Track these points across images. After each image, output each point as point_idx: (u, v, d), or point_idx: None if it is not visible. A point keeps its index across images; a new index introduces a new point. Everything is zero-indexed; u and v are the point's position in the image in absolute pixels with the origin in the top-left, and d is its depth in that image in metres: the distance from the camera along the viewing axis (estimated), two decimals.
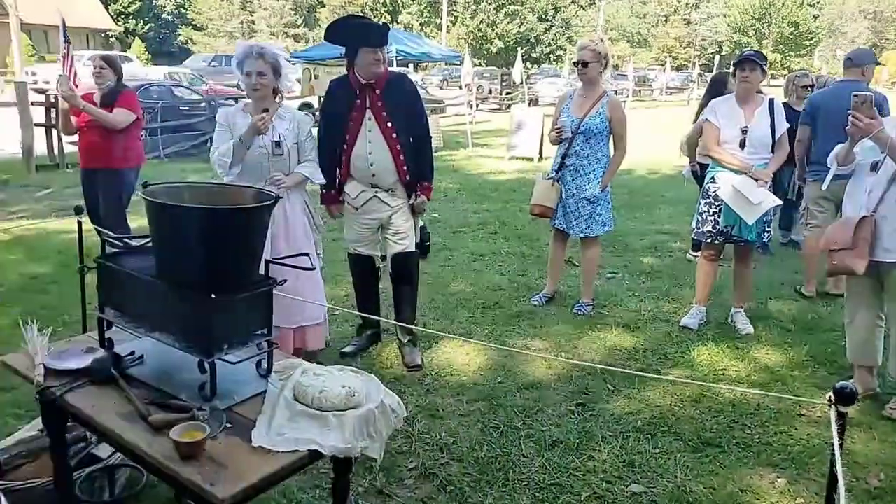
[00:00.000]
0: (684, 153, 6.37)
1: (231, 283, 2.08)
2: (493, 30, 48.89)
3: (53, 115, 10.55)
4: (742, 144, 4.44)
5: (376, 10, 46.78)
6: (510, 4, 49.30)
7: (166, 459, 1.79)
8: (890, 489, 2.98)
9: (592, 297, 5.13)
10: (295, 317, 3.71)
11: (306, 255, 2.55)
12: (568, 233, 5.03)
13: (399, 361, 4.13)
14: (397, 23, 46.44)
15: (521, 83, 23.25)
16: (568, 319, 4.89)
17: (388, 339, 4.41)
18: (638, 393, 3.81)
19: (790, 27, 52.00)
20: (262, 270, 2.26)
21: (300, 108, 11.55)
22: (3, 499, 2.38)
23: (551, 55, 51.37)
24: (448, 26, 47.53)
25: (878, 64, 5.49)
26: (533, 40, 50.26)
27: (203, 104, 14.19)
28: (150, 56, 42.47)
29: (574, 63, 5.01)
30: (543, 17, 51.35)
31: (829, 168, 3.82)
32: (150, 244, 2.27)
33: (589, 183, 4.82)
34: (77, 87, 5.82)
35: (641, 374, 3.81)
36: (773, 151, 4.49)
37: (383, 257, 4.18)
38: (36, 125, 10.70)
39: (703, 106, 6.08)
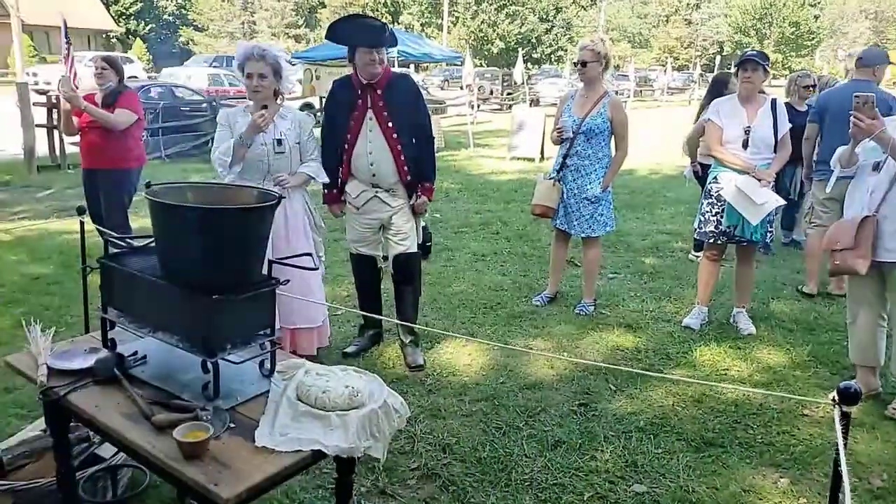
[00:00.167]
0: (686, 153, 6.36)
1: (234, 283, 2.08)
2: (494, 30, 48.89)
3: (55, 115, 10.56)
4: (745, 145, 4.43)
5: (377, 10, 46.78)
6: (511, 5, 49.30)
7: (170, 459, 1.79)
8: (893, 489, 2.98)
9: (594, 297, 5.13)
10: (291, 317, 3.72)
11: (308, 255, 2.56)
12: (569, 233, 5.03)
13: (401, 361, 4.13)
14: (398, 23, 46.46)
15: (523, 84, 23.28)
16: (570, 319, 4.89)
17: (390, 339, 4.42)
18: (640, 393, 3.81)
19: (791, 27, 52.00)
20: (264, 270, 2.26)
21: (301, 109, 11.57)
22: None
23: (552, 55, 51.36)
24: (449, 27, 47.55)
25: (891, 64, 5.43)
26: (534, 41, 50.25)
27: (204, 105, 14.20)
28: (151, 57, 42.51)
29: (574, 63, 5.02)
30: (544, 17, 51.34)
31: (833, 170, 3.83)
32: (152, 244, 2.28)
33: (590, 183, 4.82)
34: (77, 87, 5.82)
35: (644, 373, 3.81)
36: (775, 151, 4.49)
37: (385, 257, 4.17)
38: (37, 126, 10.71)
39: (703, 106, 6.07)
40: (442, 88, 32.34)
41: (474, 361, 4.18)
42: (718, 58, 44.48)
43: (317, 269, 3.16)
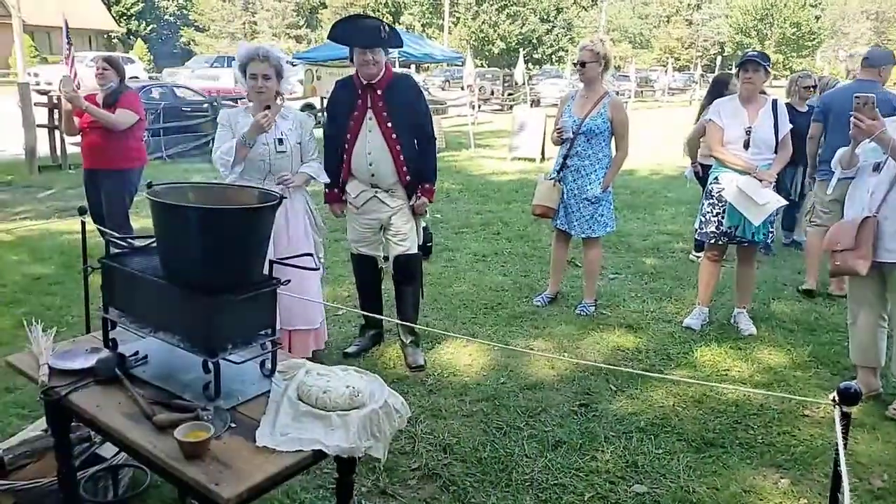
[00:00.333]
0: (686, 154, 6.36)
1: (235, 283, 2.08)
2: (495, 31, 48.89)
3: (56, 116, 10.57)
4: (746, 145, 4.43)
5: (378, 10, 46.79)
6: (512, 5, 49.30)
7: (171, 459, 1.79)
8: (893, 489, 2.98)
9: (595, 297, 5.14)
10: (291, 318, 3.72)
11: (309, 255, 2.56)
12: (570, 233, 5.03)
13: (402, 362, 4.14)
14: (399, 23, 46.43)
15: (523, 84, 23.28)
16: (570, 320, 4.89)
17: (391, 339, 4.42)
18: (641, 393, 3.81)
19: (792, 28, 51.98)
20: (265, 270, 2.26)
21: (302, 109, 11.57)
22: None
23: (553, 56, 51.36)
24: (450, 27, 47.57)
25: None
26: (535, 41, 50.24)
27: (205, 105, 14.21)
28: (152, 57, 42.54)
29: (574, 64, 5.03)
30: (545, 17, 51.32)
31: (834, 172, 3.83)
32: (153, 244, 2.28)
33: (590, 183, 4.82)
34: (79, 88, 5.83)
35: (644, 373, 3.81)
36: (776, 152, 4.49)
37: (386, 258, 4.18)
38: (39, 126, 10.72)
39: (704, 107, 6.07)
40: (443, 89, 32.34)
41: (475, 362, 4.18)
42: (719, 58, 44.44)
43: (318, 269, 3.16)
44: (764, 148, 4.46)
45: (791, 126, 4.55)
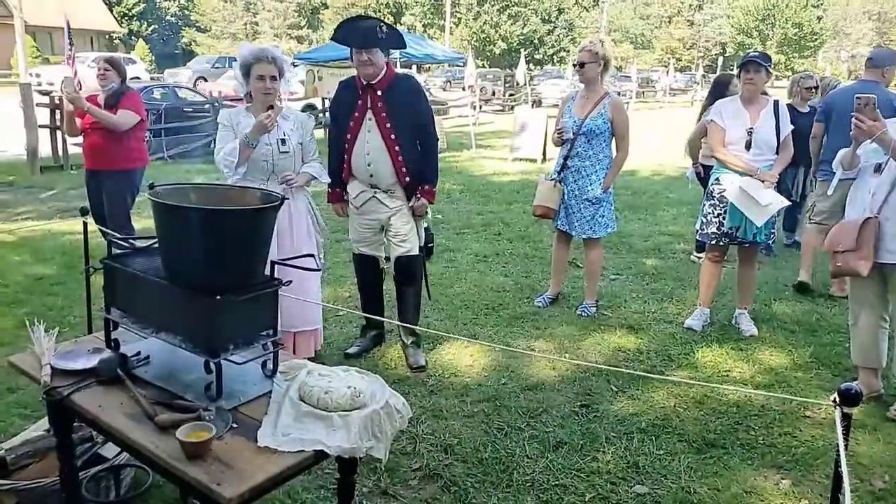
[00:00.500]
0: (688, 154, 6.37)
1: (237, 284, 2.08)
2: (497, 31, 48.89)
3: (58, 116, 10.59)
4: (748, 146, 4.44)
5: (380, 11, 46.83)
6: (513, 6, 49.31)
7: (173, 459, 1.79)
8: (894, 490, 2.98)
9: (596, 298, 5.14)
10: (292, 320, 3.73)
11: (311, 256, 2.57)
12: (571, 234, 5.04)
13: (403, 362, 4.14)
14: (400, 24, 46.46)
15: (525, 85, 23.28)
16: (572, 321, 4.90)
17: (392, 340, 4.42)
18: (642, 394, 3.81)
19: (794, 28, 51.93)
20: (267, 271, 2.26)
21: (303, 110, 11.58)
22: None
23: (554, 57, 51.37)
24: (451, 28, 47.56)
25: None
26: (536, 42, 50.25)
27: (207, 106, 14.23)
28: (154, 58, 42.59)
29: (573, 64, 5.04)
30: (547, 18, 51.33)
31: (835, 173, 3.83)
32: (155, 245, 2.28)
33: (591, 184, 4.82)
34: (81, 88, 5.83)
35: (645, 374, 3.81)
36: (777, 153, 4.49)
37: (387, 258, 4.18)
38: (40, 127, 10.74)
39: (706, 107, 6.07)
40: (444, 89, 32.36)
41: (476, 362, 4.19)
42: (721, 59, 44.45)
43: (320, 269, 3.17)
44: (765, 149, 4.46)
45: (792, 127, 4.56)
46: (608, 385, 3.90)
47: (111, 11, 45.77)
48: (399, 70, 4.66)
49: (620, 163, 4.94)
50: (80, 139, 5.60)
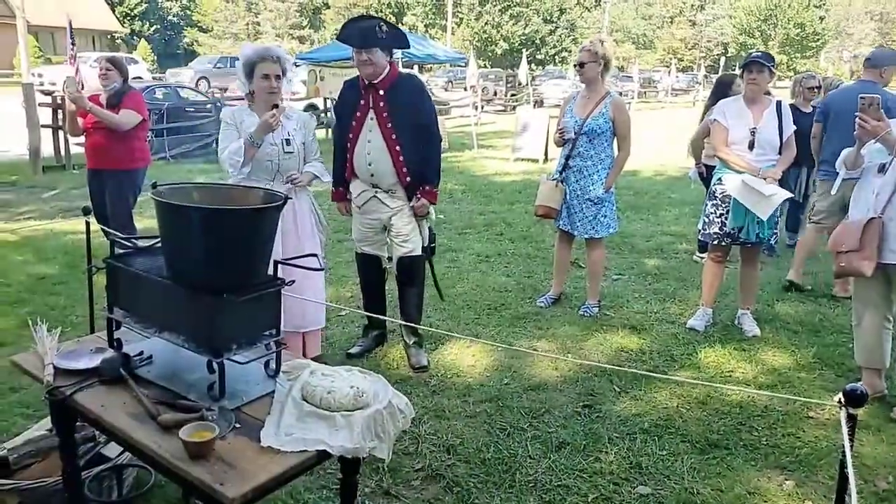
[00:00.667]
0: (690, 155, 6.36)
1: (240, 284, 2.08)
2: (498, 31, 48.89)
3: (60, 116, 10.60)
4: (751, 146, 4.43)
5: (381, 11, 46.83)
6: (515, 6, 49.31)
7: (175, 459, 1.79)
8: None
9: (598, 298, 5.13)
10: (299, 320, 3.73)
11: (314, 255, 2.56)
12: (573, 234, 5.03)
13: (405, 362, 4.13)
14: (402, 24, 46.47)
15: (526, 85, 23.28)
16: (574, 321, 4.89)
17: (394, 340, 4.42)
18: (644, 394, 3.80)
19: (796, 29, 51.87)
20: (270, 271, 2.26)
21: (305, 110, 11.57)
22: None
23: (556, 57, 51.37)
24: (453, 28, 47.56)
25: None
26: (538, 42, 50.24)
27: (209, 106, 14.24)
28: (156, 58, 42.63)
29: (573, 65, 5.04)
30: (548, 18, 51.31)
31: (839, 173, 3.82)
32: (157, 245, 2.28)
33: (593, 184, 4.82)
34: (83, 88, 5.84)
35: (648, 375, 3.80)
36: (780, 153, 4.49)
37: (390, 258, 4.17)
38: (43, 126, 10.75)
39: (708, 107, 6.07)
40: (446, 90, 32.38)
41: (478, 362, 4.18)
42: (723, 59, 44.43)
43: (323, 269, 3.17)
44: (768, 149, 4.45)
45: (795, 127, 4.55)
46: (611, 385, 3.89)
47: (113, 11, 45.80)
48: (402, 70, 4.65)
49: (622, 162, 4.93)
50: (82, 139, 5.61)
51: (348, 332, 4.62)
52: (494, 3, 48.91)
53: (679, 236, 7.42)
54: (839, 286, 5.40)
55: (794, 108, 5.82)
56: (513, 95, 27.45)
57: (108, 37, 44.41)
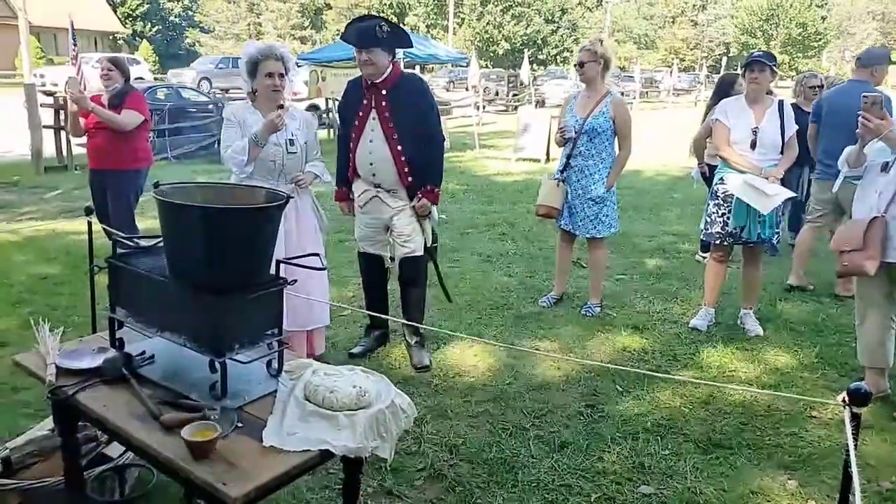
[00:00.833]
0: (692, 154, 6.35)
1: (242, 283, 2.08)
2: (500, 31, 48.87)
3: (62, 116, 10.61)
4: (753, 145, 4.42)
5: (383, 11, 46.83)
6: (517, 6, 49.29)
7: (178, 459, 1.79)
8: None
9: (601, 298, 5.12)
10: (303, 319, 3.72)
11: (317, 255, 2.56)
12: (574, 234, 5.02)
13: (407, 362, 4.13)
14: (404, 24, 46.46)
15: (528, 85, 23.26)
16: (576, 321, 4.88)
17: (396, 339, 4.42)
18: (647, 394, 3.79)
19: (798, 28, 51.79)
20: (272, 270, 2.26)
21: (307, 110, 11.57)
22: None
23: (558, 57, 51.33)
24: (454, 28, 47.56)
25: (892, 63, 5.47)
26: (539, 42, 50.23)
27: (210, 106, 14.25)
28: (157, 58, 42.66)
29: (574, 65, 5.04)
30: (550, 18, 51.29)
31: (840, 171, 3.82)
32: (160, 244, 2.28)
33: (594, 183, 4.81)
34: (85, 89, 5.84)
35: (651, 374, 3.79)
36: (782, 153, 4.48)
37: (392, 258, 4.17)
38: (45, 127, 10.76)
39: (710, 107, 6.06)
40: (447, 90, 32.36)
41: (481, 362, 4.18)
42: (725, 59, 44.32)
43: (325, 268, 3.17)
44: (771, 148, 4.44)
45: (797, 127, 4.54)
46: (613, 385, 3.89)
47: (115, 12, 45.87)
48: (405, 70, 4.64)
49: (623, 161, 4.93)
50: (84, 139, 5.61)
51: (350, 331, 4.61)
52: (496, 4, 48.90)
53: (681, 236, 7.41)
54: (842, 285, 5.39)
55: (796, 107, 5.82)
56: (514, 95, 27.44)
57: (110, 37, 44.48)
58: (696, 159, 6.24)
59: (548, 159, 12.79)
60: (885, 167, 3.50)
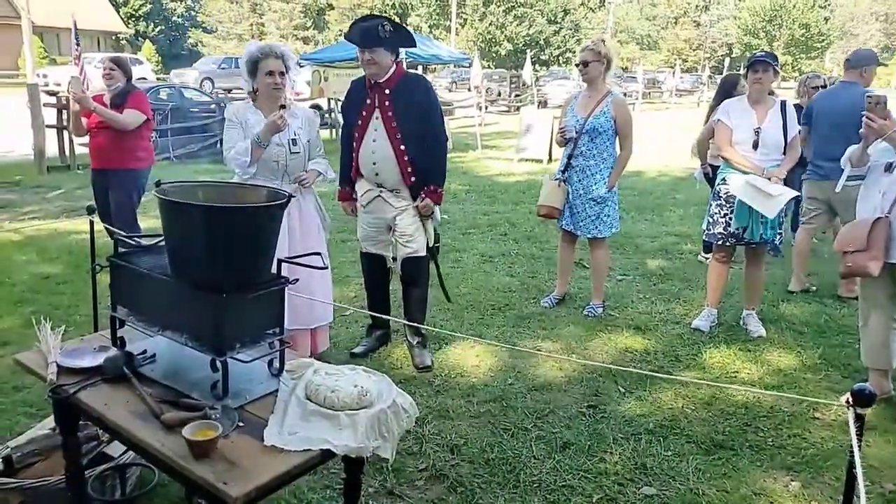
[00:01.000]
0: (695, 155, 6.34)
1: (244, 282, 2.07)
2: (503, 32, 48.88)
3: (65, 116, 10.63)
4: (755, 146, 4.41)
5: (385, 12, 46.84)
6: (519, 7, 49.28)
7: (179, 458, 1.78)
8: None
9: (603, 298, 5.11)
10: (307, 317, 3.72)
11: (318, 254, 2.55)
12: (576, 234, 5.02)
13: (409, 362, 4.12)
14: (406, 24, 46.43)
15: (531, 85, 23.26)
16: (578, 321, 4.87)
17: (398, 339, 4.41)
18: (649, 395, 3.79)
19: (801, 29, 51.74)
20: (274, 269, 2.25)
21: None
22: None
23: (560, 57, 51.33)
24: (457, 28, 47.56)
25: (881, 65, 5.48)
26: (542, 42, 50.21)
27: (213, 106, 14.27)
28: (160, 58, 42.72)
29: (576, 64, 5.03)
30: (552, 19, 51.29)
31: (843, 170, 3.81)
32: (161, 243, 2.28)
33: (595, 183, 4.80)
34: (87, 88, 5.85)
35: (653, 375, 3.78)
36: (785, 153, 4.47)
37: (394, 258, 4.17)
38: (47, 127, 10.77)
39: (713, 108, 6.05)
40: (450, 90, 32.35)
41: (482, 362, 4.17)
42: (727, 60, 44.28)
43: (327, 267, 3.17)
44: (773, 149, 4.43)
45: (800, 127, 4.54)
46: (615, 386, 3.88)
47: (118, 12, 45.94)
48: (408, 70, 4.63)
49: (624, 161, 4.92)
50: (86, 139, 5.61)
51: (352, 331, 4.61)
52: (499, 4, 48.90)
53: (684, 237, 7.40)
54: (845, 286, 5.38)
55: (798, 108, 5.81)
56: (517, 96, 27.43)
57: (113, 37, 44.55)
58: (698, 160, 6.22)
59: (550, 160, 12.78)
60: (889, 167, 3.49)
